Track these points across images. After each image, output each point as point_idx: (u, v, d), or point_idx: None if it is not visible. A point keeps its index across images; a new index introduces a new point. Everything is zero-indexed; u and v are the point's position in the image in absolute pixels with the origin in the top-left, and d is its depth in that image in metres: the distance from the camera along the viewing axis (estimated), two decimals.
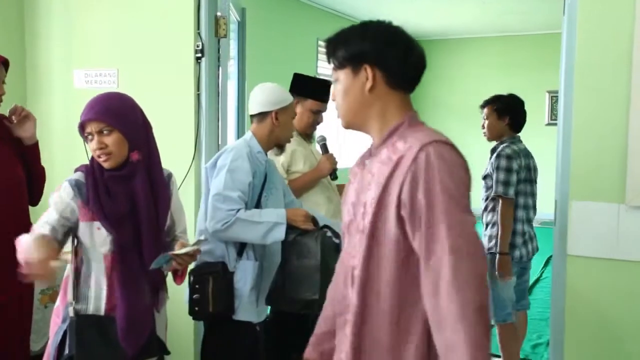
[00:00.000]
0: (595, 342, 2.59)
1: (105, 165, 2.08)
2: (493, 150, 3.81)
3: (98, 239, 2.10)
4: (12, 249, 2.46)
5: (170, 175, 2.29)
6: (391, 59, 1.55)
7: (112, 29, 3.52)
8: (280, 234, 2.53)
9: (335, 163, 3.20)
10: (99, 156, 2.07)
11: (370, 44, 1.55)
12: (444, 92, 10.70)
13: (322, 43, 8.37)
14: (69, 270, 2.18)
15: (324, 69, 8.48)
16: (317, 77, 3.29)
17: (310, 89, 3.22)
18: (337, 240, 2.51)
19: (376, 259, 1.53)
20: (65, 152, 3.59)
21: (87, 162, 2.18)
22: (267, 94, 2.74)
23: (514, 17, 8.76)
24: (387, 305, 1.52)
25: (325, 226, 2.64)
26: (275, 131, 2.72)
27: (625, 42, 2.55)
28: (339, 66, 1.60)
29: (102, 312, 2.12)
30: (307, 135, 3.33)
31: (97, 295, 2.13)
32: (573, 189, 2.67)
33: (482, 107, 3.88)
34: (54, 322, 2.20)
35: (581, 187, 2.65)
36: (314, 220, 2.63)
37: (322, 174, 3.19)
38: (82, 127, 2.08)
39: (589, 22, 2.62)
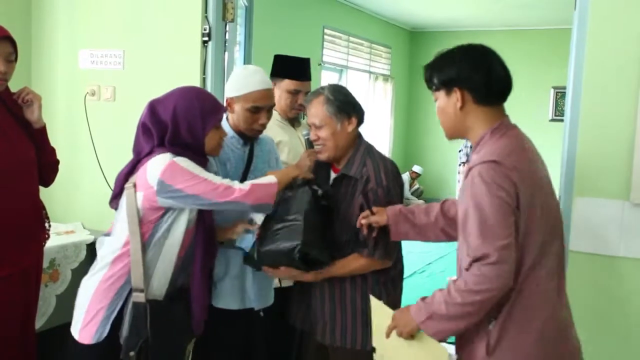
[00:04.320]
0: (597, 339, 2.59)
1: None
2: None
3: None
4: (20, 227, 2.46)
5: None
6: (476, 81, 1.83)
7: (119, 9, 3.51)
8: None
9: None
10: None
11: (457, 71, 1.84)
12: None
13: (328, 31, 8.34)
14: (130, 251, 2.08)
15: (330, 57, 8.44)
16: (300, 57, 3.06)
17: (285, 68, 2.97)
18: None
19: None
20: (69, 133, 3.58)
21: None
22: (230, 78, 2.51)
23: (521, 12, 8.71)
24: None
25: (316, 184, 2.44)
26: (233, 119, 2.48)
27: (636, 41, 2.54)
28: (436, 89, 1.91)
29: (162, 297, 2.14)
30: (292, 119, 3.03)
31: (161, 280, 2.13)
32: (577, 185, 2.67)
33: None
34: (103, 295, 2.10)
35: (585, 183, 2.65)
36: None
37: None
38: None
39: (601, 18, 2.61)
